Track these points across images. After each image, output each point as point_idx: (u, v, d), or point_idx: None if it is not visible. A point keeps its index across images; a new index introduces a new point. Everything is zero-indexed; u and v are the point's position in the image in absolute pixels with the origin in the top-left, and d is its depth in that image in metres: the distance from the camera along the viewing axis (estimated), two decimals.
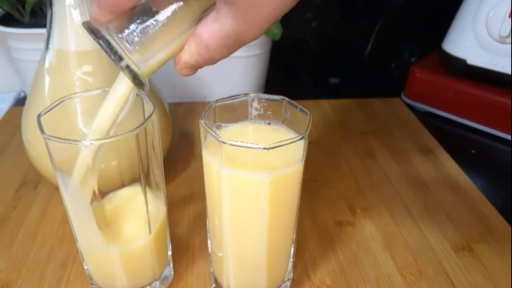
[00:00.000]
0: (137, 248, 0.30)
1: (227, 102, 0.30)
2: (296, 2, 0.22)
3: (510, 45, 0.52)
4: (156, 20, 0.23)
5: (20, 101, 0.65)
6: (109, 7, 0.22)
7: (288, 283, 0.34)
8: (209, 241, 0.33)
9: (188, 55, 0.24)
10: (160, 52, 0.24)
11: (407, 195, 0.45)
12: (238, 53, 0.63)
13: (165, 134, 0.43)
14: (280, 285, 0.33)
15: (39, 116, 0.27)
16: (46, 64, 0.37)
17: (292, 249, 0.32)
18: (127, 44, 0.23)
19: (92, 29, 0.23)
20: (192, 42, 0.23)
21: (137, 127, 0.26)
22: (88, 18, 0.24)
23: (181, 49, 0.24)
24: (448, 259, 0.37)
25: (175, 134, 0.52)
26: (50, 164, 0.27)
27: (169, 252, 0.35)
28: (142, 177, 0.29)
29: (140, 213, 0.30)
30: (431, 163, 0.50)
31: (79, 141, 0.25)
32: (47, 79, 0.37)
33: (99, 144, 0.26)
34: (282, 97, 0.30)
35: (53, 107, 0.29)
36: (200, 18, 0.23)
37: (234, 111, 0.30)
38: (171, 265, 0.35)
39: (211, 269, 0.34)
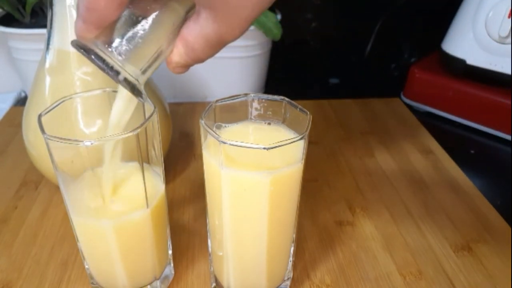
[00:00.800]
0: (134, 221, 0.29)
1: (227, 102, 0.30)
2: (273, 2, 0.22)
3: (510, 45, 0.52)
4: (143, 28, 0.23)
5: (21, 101, 0.65)
6: (94, 22, 0.22)
7: (288, 283, 0.34)
8: (209, 241, 0.33)
9: (178, 56, 0.24)
10: (152, 58, 0.24)
11: (407, 195, 0.45)
12: (238, 53, 0.64)
13: (165, 134, 0.43)
14: (280, 285, 0.33)
15: (39, 116, 0.27)
16: (47, 64, 0.37)
17: (292, 249, 0.33)
18: (119, 57, 0.23)
19: (82, 47, 0.23)
20: (179, 45, 0.24)
21: (137, 127, 0.26)
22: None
23: (171, 50, 0.24)
24: (448, 259, 0.37)
25: (175, 134, 0.52)
26: (51, 164, 0.28)
27: (170, 251, 0.35)
28: (142, 174, 0.29)
29: (137, 187, 0.30)
30: (431, 163, 0.50)
31: (80, 141, 0.25)
32: (47, 79, 0.37)
33: (103, 143, 0.26)
34: (282, 97, 0.30)
35: (54, 107, 0.29)
36: (184, 19, 0.24)
37: (234, 111, 0.31)
38: (172, 264, 0.35)
39: (211, 268, 0.34)
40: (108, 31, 0.23)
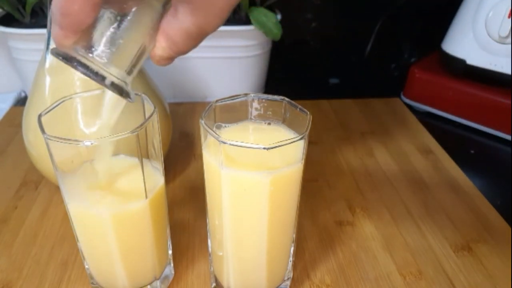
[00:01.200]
0: (133, 212, 0.29)
1: (227, 102, 0.30)
2: None
3: (510, 45, 0.52)
4: (122, 27, 0.22)
5: (21, 101, 0.65)
6: (71, 26, 0.22)
7: (288, 282, 0.34)
8: (209, 241, 0.33)
9: (161, 50, 0.24)
10: (136, 57, 0.24)
11: (407, 195, 0.45)
12: (238, 53, 0.63)
13: (165, 134, 0.43)
14: (280, 284, 0.33)
15: (39, 116, 0.27)
16: (47, 65, 0.37)
17: (292, 249, 0.33)
18: (102, 61, 0.22)
19: (63, 56, 0.22)
20: (161, 39, 0.24)
21: (137, 127, 0.26)
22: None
23: (154, 46, 0.24)
24: (448, 259, 0.37)
25: (175, 134, 0.52)
26: (51, 164, 0.28)
27: (170, 252, 0.35)
28: (141, 166, 0.28)
29: (136, 178, 0.29)
30: (431, 163, 0.50)
31: (80, 141, 0.25)
32: (47, 79, 0.37)
33: (101, 143, 0.26)
34: (282, 97, 0.30)
35: (54, 107, 0.29)
36: (162, 13, 0.23)
37: (234, 111, 0.31)
38: (172, 264, 0.35)
39: (211, 268, 0.34)
40: (87, 35, 0.22)
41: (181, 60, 0.62)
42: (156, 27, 0.23)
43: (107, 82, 0.23)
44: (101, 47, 0.22)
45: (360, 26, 0.77)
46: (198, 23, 0.23)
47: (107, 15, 0.22)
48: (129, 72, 0.24)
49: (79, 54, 0.22)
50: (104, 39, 0.22)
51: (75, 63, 0.22)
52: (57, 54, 0.22)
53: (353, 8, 0.76)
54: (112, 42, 0.22)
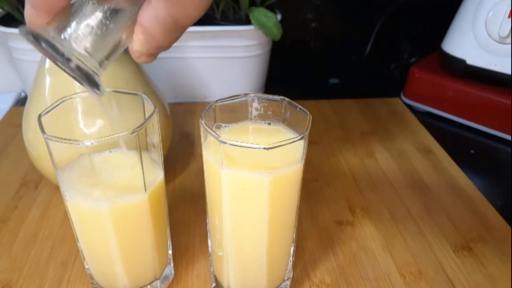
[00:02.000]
0: (132, 205, 0.29)
1: (227, 102, 0.30)
2: None
3: (510, 45, 0.52)
4: (98, 13, 0.21)
5: (21, 101, 0.65)
6: (44, 6, 0.21)
7: (288, 282, 0.34)
8: (209, 241, 0.33)
9: (139, 45, 0.23)
10: (109, 46, 0.22)
11: (407, 195, 0.45)
12: (238, 53, 0.64)
13: (165, 134, 0.43)
14: (280, 284, 0.33)
15: (39, 116, 0.27)
16: (47, 65, 0.37)
17: (292, 249, 0.33)
18: (72, 43, 0.21)
19: (32, 34, 0.21)
20: (138, 32, 0.22)
21: (137, 127, 0.26)
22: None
23: (131, 39, 0.23)
24: (448, 259, 0.37)
25: (175, 134, 0.52)
26: (51, 164, 0.28)
27: (170, 251, 0.35)
28: (141, 160, 0.28)
29: (134, 171, 0.29)
30: (431, 163, 0.50)
31: (80, 141, 0.25)
32: (47, 79, 0.37)
33: (99, 143, 0.26)
34: (282, 97, 0.30)
35: (54, 107, 0.29)
36: (140, 2, 0.22)
37: (234, 111, 0.31)
38: (172, 264, 0.35)
39: (211, 268, 0.34)
40: (61, 17, 0.21)
41: (181, 60, 0.62)
42: (133, 16, 0.22)
43: (72, 64, 0.21)
44: (74, 30, 0.21)
45: (360, 26, 0.77)
46: (173, 14, 0.21)
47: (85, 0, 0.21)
48: (100, 63, 0.22)
49: (50, 34, 0.21)
50: (79, 24, 0.21)
51: (42, 43, 0.21)
52: (26, 32, 0.21)
53: (353, 8, 0.76)
54: (86, 28, 0.21)
